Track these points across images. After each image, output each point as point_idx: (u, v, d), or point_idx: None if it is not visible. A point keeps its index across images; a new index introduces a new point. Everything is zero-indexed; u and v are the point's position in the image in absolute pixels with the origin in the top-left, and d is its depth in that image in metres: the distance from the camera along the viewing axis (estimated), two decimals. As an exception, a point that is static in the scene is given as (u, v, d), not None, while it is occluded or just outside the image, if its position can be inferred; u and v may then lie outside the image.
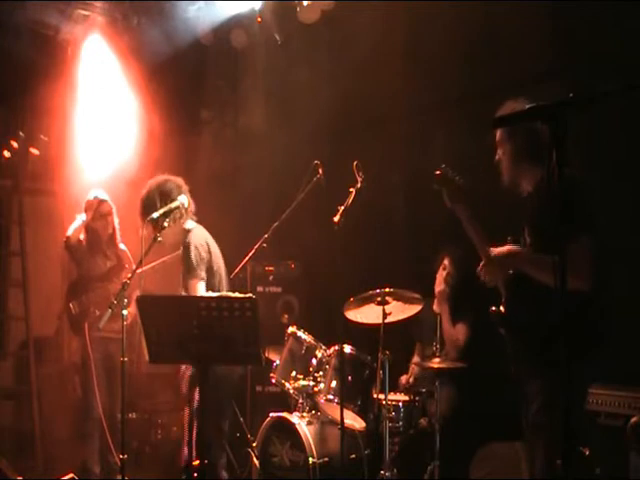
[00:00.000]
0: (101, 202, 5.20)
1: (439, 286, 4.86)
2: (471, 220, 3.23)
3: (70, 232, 5.19)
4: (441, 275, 4.90)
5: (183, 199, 3.95)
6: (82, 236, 5.20)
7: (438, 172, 3.31)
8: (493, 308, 3.19)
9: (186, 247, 3.92)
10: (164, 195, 3.98)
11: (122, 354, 3.78)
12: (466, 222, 3.24)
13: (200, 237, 4.00)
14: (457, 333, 4.72)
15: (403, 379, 4.98)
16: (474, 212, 3.24)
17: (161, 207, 3.90)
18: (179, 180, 4.10)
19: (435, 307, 4.93)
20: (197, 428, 3.74)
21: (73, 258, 5.30)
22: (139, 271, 4.14)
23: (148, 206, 3.96)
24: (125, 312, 3.75)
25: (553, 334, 2.58)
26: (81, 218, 5.20)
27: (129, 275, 3.88)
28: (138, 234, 3.89)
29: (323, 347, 4.68)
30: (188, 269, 3.88)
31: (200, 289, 3.85)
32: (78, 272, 5.28)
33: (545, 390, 2.93)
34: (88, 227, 5.19)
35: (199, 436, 3.68)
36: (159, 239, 3.88)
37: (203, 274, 3.89)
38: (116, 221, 5.28)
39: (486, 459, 4.15)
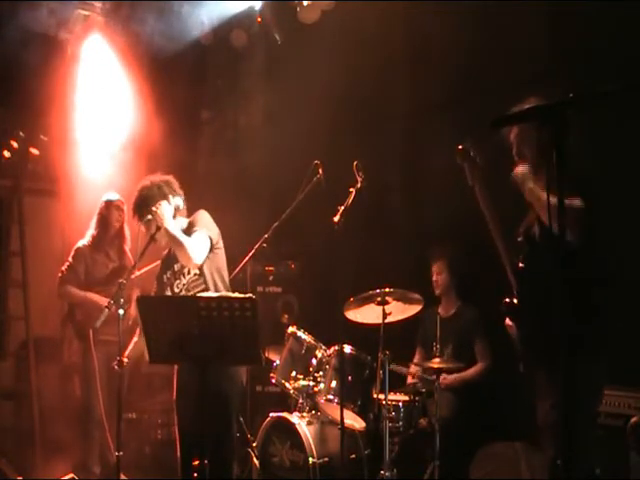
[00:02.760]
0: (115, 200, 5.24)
1: (438, 289, 4.97)
2: (487, 202, 3.18)
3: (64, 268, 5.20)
4: (437, 280, 4.96)
5: (178, 201, 3.94)
6: (90, 233, 5.20)
7: (460, 147, 3.27)
8: (507, 300, 3.15)
9: (195, 219, 3.85)
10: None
11: (120, 354, 3.77)
12: (482, 204, 3.19)
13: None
14: None
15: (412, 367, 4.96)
16: (490, 195, 3.19)
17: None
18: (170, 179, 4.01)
19: (441, 310, 4.96)
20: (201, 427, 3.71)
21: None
22: (136, 274, 4.12)
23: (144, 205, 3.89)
24: (121, 312, 3.72)
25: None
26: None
27: (126, 276, 3.87)
28: (136, 234, 3.87)
29: (323, 347, 4.68)
30: (200, 225, 3.77)
31: (204, 239, 3.72)
32: (81, 275, 5.26)
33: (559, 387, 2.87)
34: (100, 218, 5.20)
35: (201, 435, 3.66)
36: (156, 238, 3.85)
37: (212, 235, 3.78)
38: (127, 230, 5.28)
39: (486, 459, 4.15)
